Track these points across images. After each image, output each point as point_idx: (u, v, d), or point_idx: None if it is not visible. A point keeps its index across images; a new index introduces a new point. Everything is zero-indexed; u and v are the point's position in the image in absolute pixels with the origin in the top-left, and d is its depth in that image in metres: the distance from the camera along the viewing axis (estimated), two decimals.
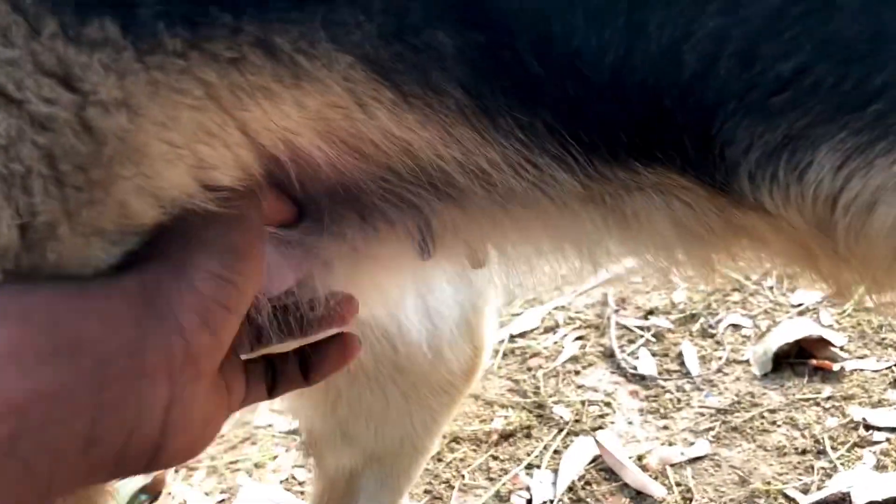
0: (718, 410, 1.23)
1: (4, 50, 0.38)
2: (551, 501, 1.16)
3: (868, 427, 1.15)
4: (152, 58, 0.40)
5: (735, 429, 1.19)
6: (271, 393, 0.53)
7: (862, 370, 1.25)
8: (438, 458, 1.27)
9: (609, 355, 1.39)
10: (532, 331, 1.48)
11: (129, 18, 0.39)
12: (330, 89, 0.43)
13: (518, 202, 0.49)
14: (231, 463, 1.34)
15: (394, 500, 0.98)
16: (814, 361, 1.26)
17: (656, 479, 1.15)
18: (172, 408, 0.42)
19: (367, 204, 0.51)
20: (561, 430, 1.27)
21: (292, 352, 0.56)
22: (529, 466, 1.23)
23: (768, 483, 1.10)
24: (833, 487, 1.06)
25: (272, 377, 0.54)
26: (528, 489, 1.19)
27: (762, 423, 1.18)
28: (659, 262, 0.52)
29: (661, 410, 1.26)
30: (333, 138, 0.46)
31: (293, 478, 1.29)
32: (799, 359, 1.27)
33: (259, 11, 0.40)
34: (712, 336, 1.38)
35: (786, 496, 1.08)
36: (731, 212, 0.46)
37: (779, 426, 1.17)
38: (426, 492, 1.23)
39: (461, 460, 1.27)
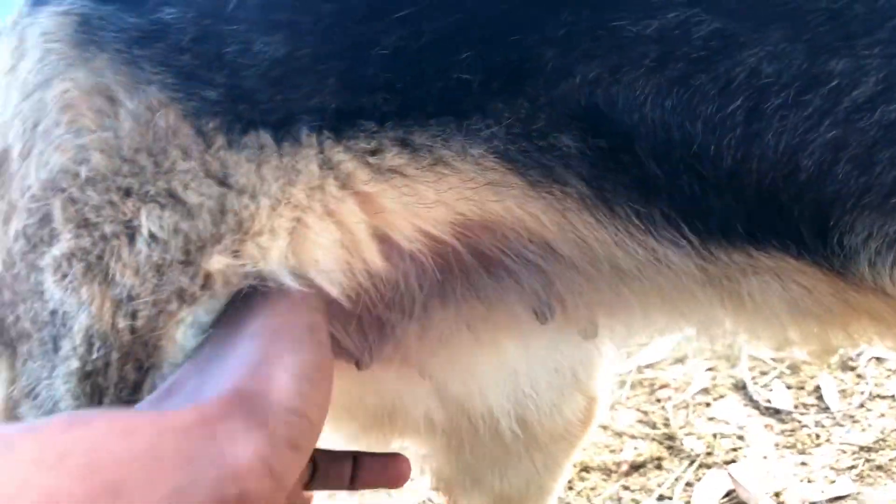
0: (861, 448, 1.18)
1: (183, 162, 0.46)
2: None
3: None
4: (287, 147, 0.46)
5: (880, 467, 1.14)
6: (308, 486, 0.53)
7: None
8: (569, 487, 1.30)
9: (741, 387, 1.37)
10: (660, 361, 1.48)
11: (283, 131, 0.46)
12: (463, 172, 0.48)
13: (634, 278, 0.52)
14: None
15: None
16: None
17: None
18: None
19: (492, 260, 0.55)
20: (692, 463, 1.26)
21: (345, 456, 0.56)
22: (661, 498, 1.23)
23: None
24: None
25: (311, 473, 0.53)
26: None
27: None
28: (775, 340, 0.54)
29: (799, 446, 1.23)
30: (464, 221, 0.51)
31: (430, 501, 1.36)
32: None
33: (400, 119, 0.47)
34: (853, 369, 1.33)
35: None
36: (850, 294, 0.48)
37: None
38: None
39: (592, 489, 1.30)
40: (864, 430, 1.21)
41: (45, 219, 0.46)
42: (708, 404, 1.36)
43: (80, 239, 0.45)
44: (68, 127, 0.46)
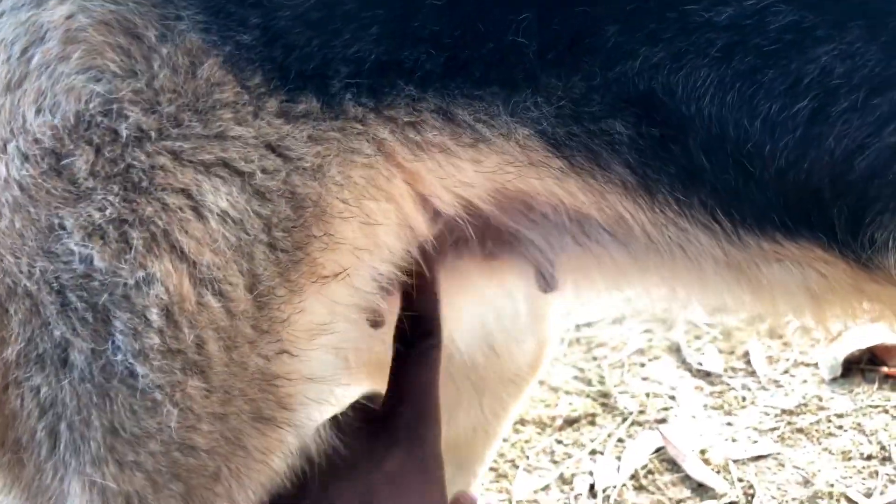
0: (784, 411, 1.26)
1: (238, 127, 0.42)
2: (614, 487, 1.21)
3: None
4: (336, 122, 0.43)
5: (800, 430, 1.22)
6: None
7: None
8: (504, 438, 1.32)
9: (675, 350, 1.42)
10: (598, 321, 1.51)
11: (325, 92, 0.43)
12: (506, 152, 0.46)
13: (653, 254, 0.52)
14: None
15: (468, 481, 1.05)
16: (885, 369, 1.27)
17: (718, 473, 1.19)
18: None
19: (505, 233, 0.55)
20: (625, 420, 1.31)
21: None
22: (593, 452, 1.28)
23: (831, 485, 1.13)
24: None
25: None
26: (591, 474, 1.24)
27: (828, 427, 1.21)
28: (780, 317, 0.55)
29: (726, 407, 1.30)
30: (501, 192, 0.50)
31: None
32: (870, 365, 1.29)
33: (443, 86, 0.43)
34: (780, 336, 1.40)
35: (848, 499, 1.11)
36: (865, 282, 0.49)
37: (845, 430, 1.20)
38: (492, 469, 1.28)
39: (526, 442, 1.33)
40: (787, 394, 1.29)
41: (62, 172, 0.39)
42: (643, 364, 1.41)
43: (136, 205, 0.40)
44: (81, 66, 0.39)
